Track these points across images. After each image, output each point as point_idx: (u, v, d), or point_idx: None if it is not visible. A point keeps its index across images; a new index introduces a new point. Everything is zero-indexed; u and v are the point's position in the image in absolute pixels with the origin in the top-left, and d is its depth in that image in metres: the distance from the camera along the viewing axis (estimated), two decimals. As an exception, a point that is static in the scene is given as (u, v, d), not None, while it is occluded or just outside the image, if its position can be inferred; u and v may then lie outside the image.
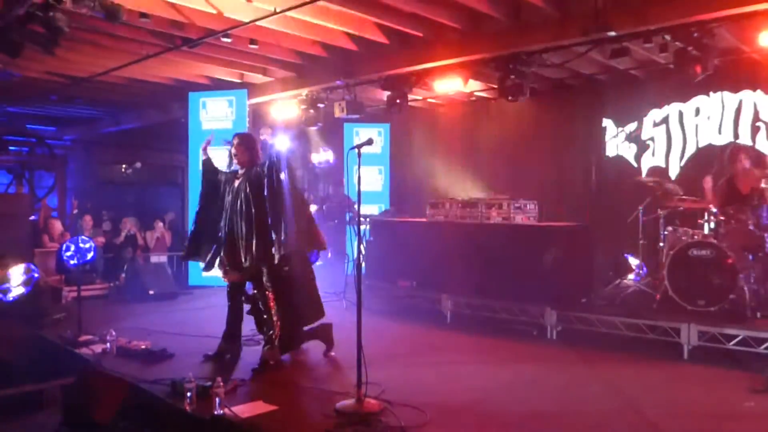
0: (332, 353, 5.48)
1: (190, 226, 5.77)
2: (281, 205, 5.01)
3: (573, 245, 6.85)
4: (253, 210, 5.08)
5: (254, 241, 5.04)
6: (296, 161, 5.30)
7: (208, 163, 5.58)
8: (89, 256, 6.83)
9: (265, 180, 5.06)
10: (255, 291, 5.29)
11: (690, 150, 8.31)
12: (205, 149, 5.56)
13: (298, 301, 5.32)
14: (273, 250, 4.98)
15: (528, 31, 6.69)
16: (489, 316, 6.73)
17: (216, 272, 5.46)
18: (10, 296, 6.80)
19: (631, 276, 7.35)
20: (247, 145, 5.31)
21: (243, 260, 5.12)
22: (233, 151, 5.32)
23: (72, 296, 7.63)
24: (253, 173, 5.17)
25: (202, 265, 5.52)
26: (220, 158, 5.72)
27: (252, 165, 5.25)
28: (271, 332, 5.12)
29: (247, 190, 5.14)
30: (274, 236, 4.98)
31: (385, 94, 8.58)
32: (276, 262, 5.02)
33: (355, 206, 4.90)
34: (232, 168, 5.46)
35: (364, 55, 7.88)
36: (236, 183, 5.25)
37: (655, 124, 8.57)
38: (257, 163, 5.24)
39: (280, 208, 5.00)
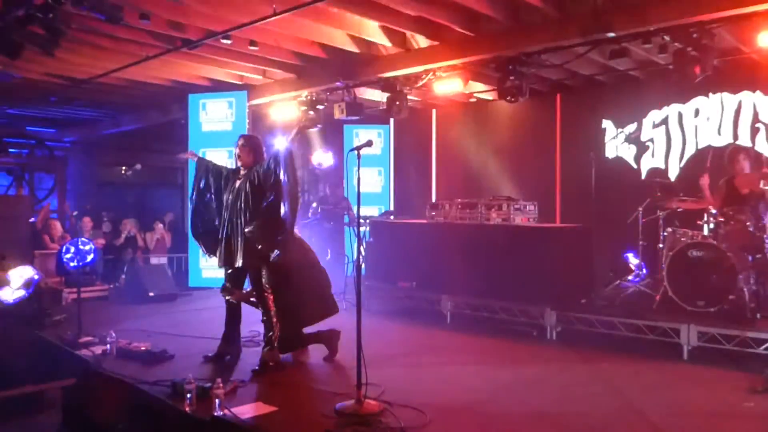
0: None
1: (189, 222, 5.79)
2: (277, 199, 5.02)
3: (573, 246, 6.85)
4: (251, 210, 5.08)
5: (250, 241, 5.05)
6: (297, 162, 5.26)
7: (201, 159, 5.75)
8: (89, 257, 6.83)
9: (272, 174, 5.05)
10: (254, 292, 5.29)
11: (689, 151, 8.31)
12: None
13: (299, 303, 5.30)
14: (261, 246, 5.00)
15: (527, 31, 6.69)
16: (489, 316, 6.73)
17: (221, 272, 5.47)
18: (11, 298, 6.81)
19: (630, 276, 7.35)
20: (251, 146, 5.31)
21: (237, 259, 5.12)
22: (237, 152, 5.32)
23: (72, 298, 7.64)
24: (254, 172, 5.17)
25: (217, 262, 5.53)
26: (221, 159, 5.74)
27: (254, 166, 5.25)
28: (270, 333, 5.10)
29: (248, 189, 5.14)
30: (255, 223, 5.00)
31: (384, 96, 8.59)
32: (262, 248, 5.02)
33: (353, 208, 4.89)
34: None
35: (364, 57, 7.89)
36: (237, 183, 5.26)
37: (655, 125, 8.57)
38: (260, 163, 5.25)
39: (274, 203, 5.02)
